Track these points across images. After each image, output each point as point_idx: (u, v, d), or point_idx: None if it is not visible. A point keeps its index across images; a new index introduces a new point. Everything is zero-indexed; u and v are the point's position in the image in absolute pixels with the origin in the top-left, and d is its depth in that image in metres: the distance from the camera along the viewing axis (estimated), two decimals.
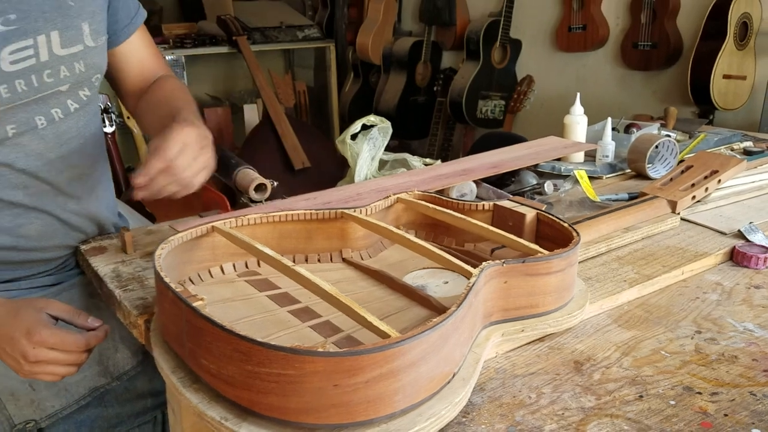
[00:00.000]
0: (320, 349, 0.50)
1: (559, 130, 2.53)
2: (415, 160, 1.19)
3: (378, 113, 3.17)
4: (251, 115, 3.04)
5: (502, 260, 0.68)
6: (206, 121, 2.99)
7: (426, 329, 0.54)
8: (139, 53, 1.03)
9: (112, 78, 1.03)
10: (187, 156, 0.79)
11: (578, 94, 1.30)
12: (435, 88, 3.00)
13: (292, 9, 3.40)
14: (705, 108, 2.13)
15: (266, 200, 1.07)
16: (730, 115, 2.13)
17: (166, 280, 0.63)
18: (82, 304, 0.96)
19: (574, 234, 0.75)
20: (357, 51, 3.17)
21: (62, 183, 0.93)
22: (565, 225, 0.77)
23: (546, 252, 0.72)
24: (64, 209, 0.94)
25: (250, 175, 1.08)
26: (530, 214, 0.82)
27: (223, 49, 2.91)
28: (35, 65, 0.85)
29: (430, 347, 0.55)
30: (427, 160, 1.20)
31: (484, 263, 0.67)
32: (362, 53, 3.15)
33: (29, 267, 0.94)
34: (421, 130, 3.11)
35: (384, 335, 0.55)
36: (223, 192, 1.15)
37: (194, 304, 0.59)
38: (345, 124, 3.38)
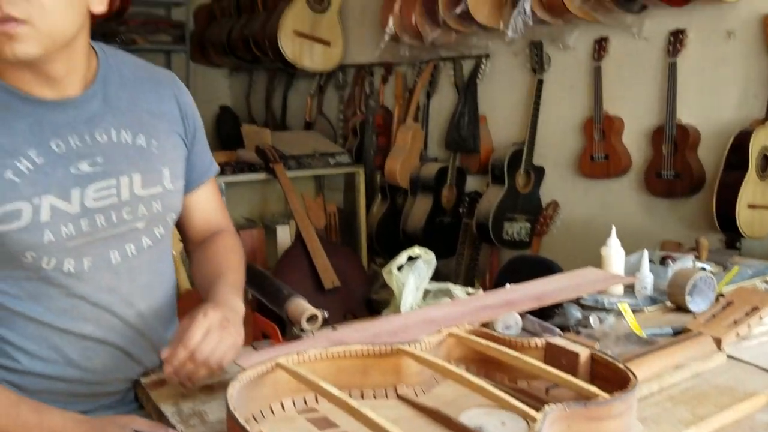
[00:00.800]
0: None
1: (586, 253, 2.55)
2: (457, 290, 1.22)
3: (405, 233, 3.27)
4: (284, 236, 3.13)
5: (564, 404, 0.69)
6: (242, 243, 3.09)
7: None
8: (207, 204, 1.10)
9: (178, 222, 1.10)
10: (210, 342, 0.83)
11: (613, 228, 1.35)
12: (461, 210, 3.09)
13: (325, 138, 3.58)
14: (732, 236, 2.17)
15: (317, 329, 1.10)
16: (757, 244, 2.16)
17: (243, 423, 0.65)
18: None
19: (631, 376, 0.76)
20: (385, 175, 3.30)
21: (131, 317, 0.97)
22: (621, 366, 0.79)
23: (605, 394, 0.73)
24: (131, 342, 0.98)
25: (301, 306, 1.11)
26: (584, 354, 0.84)
27: (261, 176, 3.06)
28: (116, 203, 0.92)
29: None
30: (470, 289, 1.24)
31: (546, 407, 0.68)
32: (390, 177, 3.28)
33: (92, 400, 0.97)
34: (447, 250, 3.17)
35: None
36: (273, 320, 1.19)
37: None
38: (373, 243, 3.46)
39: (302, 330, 1.09)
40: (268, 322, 1.16)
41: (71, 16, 0.84)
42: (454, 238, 3.11)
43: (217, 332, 0.84)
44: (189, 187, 1.06)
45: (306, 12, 3.42)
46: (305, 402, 0.84)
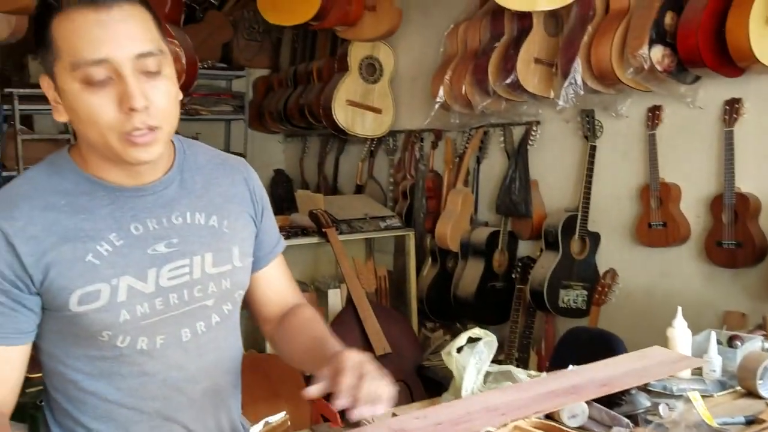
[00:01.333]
0: None
1: (647, 323, 2.49)
2: (520, 373, 1.20)
3: (456, 298, 3.25)
4: (335, 299, 3.15)
5: None
6: None
7: None
8: (278, 280, 1.13)
9: (251, 302, 1.13)
10: (370, 370, 0.86)
11: (679, 309, 1.31)
12: (513, 276, 3.06)
13: (375, 201, 3.64)
14: None
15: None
16: None
17: None
18: None
19: None
20: (436, 239, 3.32)
21: (197, 394, 0.99)
22: None
23: None
24: (194, 420, 0.99)
25: None
26: None
27: (314, 240, 3.11)
28: (188, 281, 0.96)
29: None
30: (532, 372, 1.22)
31: None
32: (441, 241, 3.29)
33: None
34: (499, 316, 3.13)
35: None
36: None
37: None
38: (424, 307, 3.44)
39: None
40: (327, 405, 1.16)
41: (177, 112, 0.92)
42: (507, 304, 3.07)
43: (372, 366, 0.87)
44: (259, 264, 1.09)
45: (358, 83, 3.53)
46: None
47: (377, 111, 3.59)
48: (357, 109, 3.55)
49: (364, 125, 3.60)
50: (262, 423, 1.15)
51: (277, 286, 1.13)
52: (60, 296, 0.88)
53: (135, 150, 0.86)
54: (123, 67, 0.84)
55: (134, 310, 0.91)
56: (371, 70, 3.56)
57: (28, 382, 1.99)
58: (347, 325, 2.99)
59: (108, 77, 0.84)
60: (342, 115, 3.51)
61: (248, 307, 1.14)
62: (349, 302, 3.05)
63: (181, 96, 0.95)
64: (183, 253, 0.96)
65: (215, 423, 1.03)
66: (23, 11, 2.54)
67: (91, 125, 0.86)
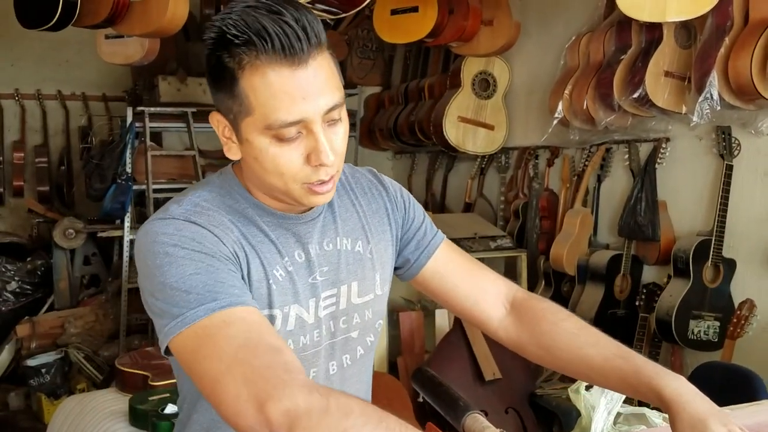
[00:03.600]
0: None
1: None
2: (654, 416, 1.09)
3: None
4: (442, 320, 3.09)
5: None
6: (400, 324, 3.09)
7: None
8: (458, 267, 1.05)
9: (455, 305, 1.05)
10: None
11: None
12: (637, 303, 2.86)
13: (485, 220, 3.55)
14: None
15: None
16: None
17: None
18: None
19: None
20: (551, 261, 3.17)
21: None
22: None
23: None
24: None
25: (479, 422, 1.06)
26: None
27: None
28: (335, 312, 0.94)
29: None
30: (667, 415, 1.10)
31: None
32: (556, 263, 3.14)
33: None
34: None
35: None
36: (446, 428, 1.14)
37: None
38: None
39: None
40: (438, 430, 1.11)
41: None
42: (629, 334, 2.87)
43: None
44: (420, 263, 1.03)
45: (471, 99, 3.47)
46: None
47: (490, 127, 3.51)
48: (468, 125, 3.48)
49: (476, 142, 3.53)
50: None
51: (463, 273, 1.04)
52: None
53: (315, 197, 0.86)
54: (315, 124, 0.82)
55: (299, 340, 0.90)
56: (485, 85, 3.49)
57: (151, 389, 2.09)
58: (455, 348, 2.92)
59: (298, 133, 0.83)
60: (453, 131, 3.46)
61: (458, 312, 1.06)
62: (458, 323, 2.97)
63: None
64: (333, 282, 0.94)
65: None
66: (158, 34, 2.69)
67: (276, 175, 0.84)
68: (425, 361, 2.97)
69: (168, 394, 1.94)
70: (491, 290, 1.04)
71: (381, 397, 2.50)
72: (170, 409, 1.81)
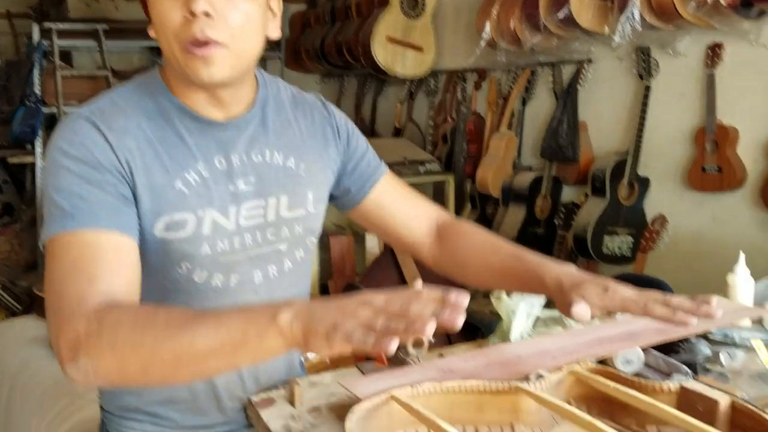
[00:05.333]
0: None
1: (696, 273, 2.40)
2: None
3: None
4: (373, 244, 3.12)
5: None
6: (331, 249, 3.11)
7: None
8: (398, 197, 1.09)
9: (389, 233, 1.10)
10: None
11: (742, 255, 1.24)
12: (556, 222, 2.98)
13: (414, 145, 3.56)
14: None
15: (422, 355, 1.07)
16: None
17: None
18: None
19: None
20: (477, 184, 3.24)
21: None
22: None
23: None
24: (256, 364, 0.98)
25: None
26: (724, 402, 0.77)
27: None
28: (262, 223, 0.94)
29: None
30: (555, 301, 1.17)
31: None
32: (482, 186, 3.21)
33: (211, 415, 0.98)
34: None
35: None
36: None
37: None
38: None
39: (407, 354, 1.07)
40: None
41: (258, 41, 0.88)
42: (548, 250, 3.00)
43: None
44: (365, 189, 1.06)
45: (399, 18, 3.40)
46: None
47: (418, 49, 3.46)
48: (397, 47, 3.43)
49: (405, 64, 3.48)
50: (302, 359, 1.14)
51: (401, 203, 1.09)
52: (145, 219, 0.86)
53: (194, 62, 0.82)
54: None
55: (215, 245, 0.90)
56: (413, 3, 3.41)
57: None
58: (385, 270, 2.98)
59: None
60: (381, 52, 3.40)
61: (393, 241, 1.11)
62: (387, 247, 3.02)
63: (276, 34, 0.92)
64: (259, 193, 0.93)
65: (272, 366, 1.02)
66: None
67: (161, 34, 0.84)
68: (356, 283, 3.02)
69: None
70: (424, 218, 1.10)
71: None
72: None
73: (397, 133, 3.86)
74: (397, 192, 1.10)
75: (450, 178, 3.36)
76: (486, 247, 1.04)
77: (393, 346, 0.58)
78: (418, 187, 3.98)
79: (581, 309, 0.82)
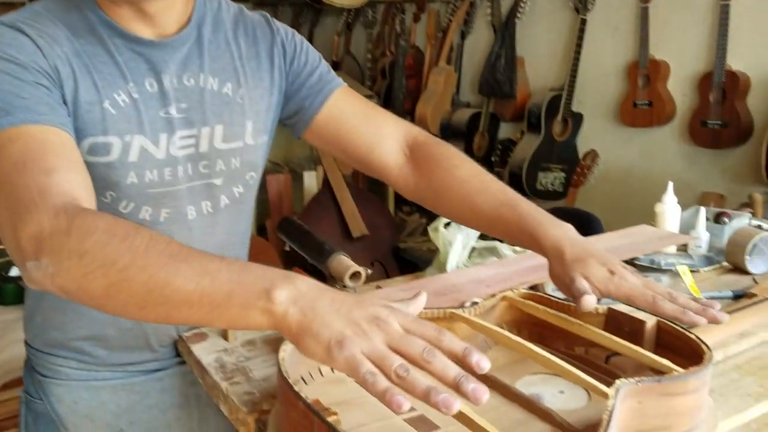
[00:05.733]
0: None
1: (625, 206, 2.48)
2: (505, 249, 1.17)
3: None
4: (311, 182, 3.09)
5: (637, 379, 0.65)
6: (268, 187, 3.06)
7: None
8: (357, 111, 0.97)
9: (354, 154, 0.98)
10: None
11: (670, 184, 1.28)
12: (492, 159, 3.01)
13: (352, 79, 3.49)
14: None
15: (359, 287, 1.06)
16: None
17: (297, 389, 0.62)
18: (183, 392, 0.95)
19: (705, 348, 0.72)
20: (416, 120, 3.22)
21: None
22: (693, 337, 0.74)
23: (679, 369, 0.69)
24: None
25: (345, 263, 1.08)
26: (650, 322, 0.79)
27: None
28: (193, 154, 0.87)
29: None
30: (518, 248, 1.19)
31: (618, 382, 0.64)
32: (421, 123, 3.19)
33: (140, 352, 0.95)
34: None
35: None
36: (314, 276, 1.15)
37: (329, 419, 0.58)
38: None
39: (345, 287, 1.06)
40: (304, 273, 1.13)
41: None
42: None
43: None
44: (312, 109, 0.95)
45: None
46: None
47: None
48: None
49: None
50: None
51: (361, 120, 0.96)
52: None
53: None
54: None
55: (143, 174, 0.83)
56: None
57: None
58: (324, 208, 2.95)
59: None
60: None
61: (359, 165, 0.99)
62: (326, 184, 2.99)
63: None
64: (192, 122, 0.86)
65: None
66: None
67: None
68: None
69: None
70: (390, 136, 0.97)
71: (252, 259, 2.51)
72: (15, 271, 1.70)
73: (335, 66, 3.76)
74: (356, 107, 0.98)
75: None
76: (472, 182, 0.91)
77: (405, 407, 0.50)
78: None
79: (589, 301, 0.74)
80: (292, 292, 0.57)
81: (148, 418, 0.97)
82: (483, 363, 0.54)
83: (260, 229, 3.18)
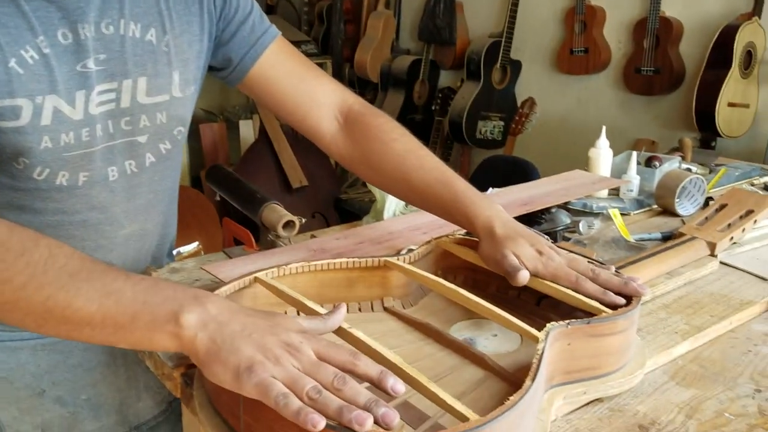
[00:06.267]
0: None
1: (561, 152, 2.51)
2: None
3: None
4: (247, 131, 3.00)
5: (567, 321, 0.65)
6: (202, 137, 2.95)
7: (506, 409, 0.51)
8: (291, 70, 0.92)
9: (284, 113, 0.94)
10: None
11: (603, 128, 1.28)
12: (433, 107, 2.99)
13: (288, 24, 3.36)
14: (708, 135, 2.14)
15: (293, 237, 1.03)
16: (732, 143, 2.14)
17: None
18: (109, 350, 0.91)
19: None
20: (355, 68, 3.15)
21: (119, 239, 0.87)
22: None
23: (607, 310, 0.69)
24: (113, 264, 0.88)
25: (277, 212, 1.04)
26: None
27: None
28: (114, 110, 0.79)
29: (509, 427, 0.52)
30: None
31: (548, 325, 0.64)
32: (360, 70, 3.13)
33: None
34: None
35: (462, 418, 0.52)
36: (246, 226, 1.11)
37: None
38: None
39: (278, 237, 1.03)
40: (240, 227, 1.08)
41: None
42: (425, 137, 3.02)
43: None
44: (245, 65, 0.89)
45: None
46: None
47: None
48: None
49: None
50: (174, 253, 1.07)
51: (294, 79, 0.91)
52: None
53: None
54: None
55: (58, 138, 0.75)
56: None
57: None
58: (261, 158, 2.88)
59: None
60: None
61: (294, 124, 0.94)
62: (263, 134, 2.91)
63: None
64: (112, 75, 0.77)
65: (131, 265, 0.92)
66: None
67: None
68: None
69: None
70: (324, 101, 0.94)
71: (185, 212, 2.44)
72: None
73: (269, 10, 3.62)
74: (290, 65, 0.93)
75: (327, 61, 3.24)
76: (408, 157, 0.90)
77: (321, 425, 0.49)
78: None
79: (524, 276, 0.75)
80: (202, 316, 0.56)
81: (73, 378, 0.92)
82: (398, 387, 0.54)
83: (195, 181, 3.09)
